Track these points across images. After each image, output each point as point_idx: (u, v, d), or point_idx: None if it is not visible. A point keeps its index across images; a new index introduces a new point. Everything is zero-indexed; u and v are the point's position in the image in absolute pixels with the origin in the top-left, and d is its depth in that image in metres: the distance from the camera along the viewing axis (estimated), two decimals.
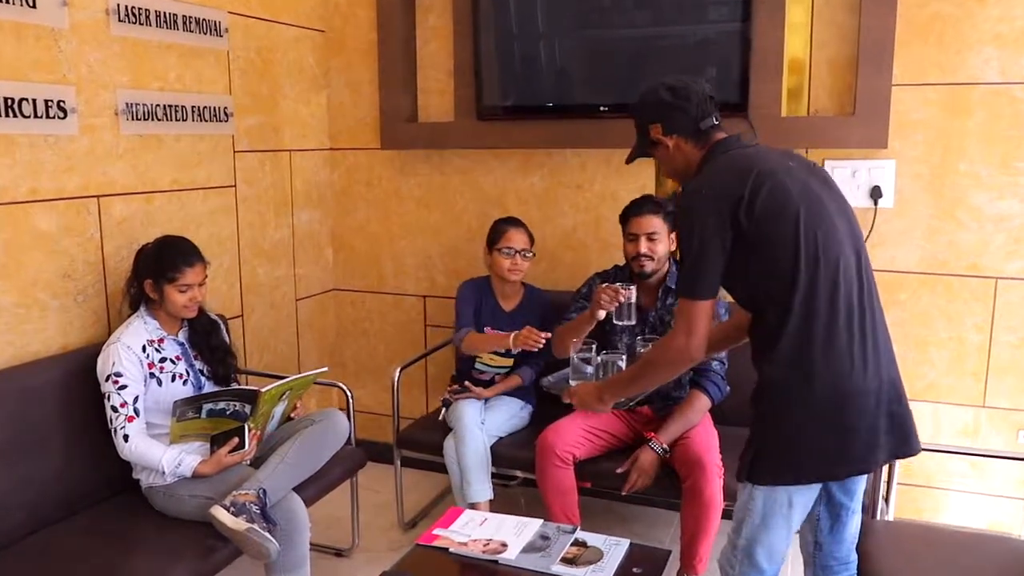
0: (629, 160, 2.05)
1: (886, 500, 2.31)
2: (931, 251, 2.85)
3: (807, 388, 1.69)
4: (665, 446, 2.57)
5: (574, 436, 2.62)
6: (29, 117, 2.35)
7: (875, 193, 2.85)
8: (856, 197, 2.87)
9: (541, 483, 2.63)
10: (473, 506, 2.70)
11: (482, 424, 2.80)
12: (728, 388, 2.66)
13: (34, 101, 2.36)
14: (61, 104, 2.44)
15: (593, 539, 2.11)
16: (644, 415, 2.75)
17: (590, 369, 2.27)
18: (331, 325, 3.74)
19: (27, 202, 2.38)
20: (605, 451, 2.70)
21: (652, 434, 2.61)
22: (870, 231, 2.86)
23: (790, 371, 1.70)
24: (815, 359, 1.68)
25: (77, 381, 2.41)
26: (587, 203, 3.24)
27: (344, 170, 3.63)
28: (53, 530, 2.30)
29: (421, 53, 3.44)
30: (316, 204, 3.59)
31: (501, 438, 2.87)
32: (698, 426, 2.60)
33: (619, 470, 2.59)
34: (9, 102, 2.30)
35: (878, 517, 2.28)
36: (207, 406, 2.31)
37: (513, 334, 2.75)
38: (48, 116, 2.41)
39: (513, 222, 3.02)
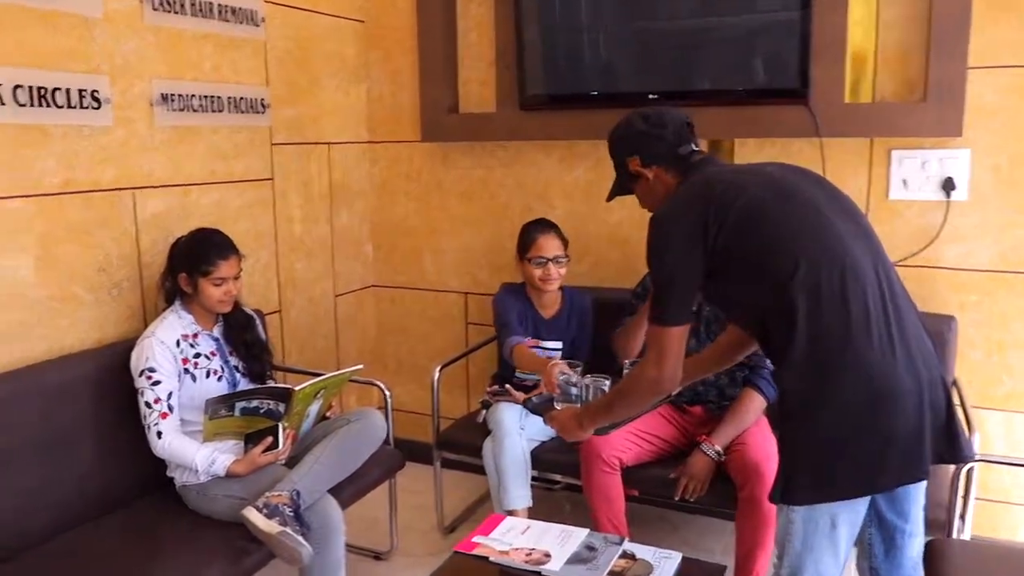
0: (609, 198, 2.01)
1: (962, 517, 2.14)
2: (1009, 247, 2.64)
3: (831, 392, 1.55)
4: (718, 449, 2.43)
5: (621, 440, 2.49)
6: (63, 107, 2.30)
7: (947, 185, 2.66)
8: (926, 190, 2.69)
9: (587, 490, 2.51)
10: (510, 513, 2.58)
11: (522, 429, 2.68)
12: None
13: (67, 91, 2.31)
14: (95, 94, 2.39)
15: (642, 551, 1.98)
16: (696, 416, 2.61)
17: (575, 391, 2.16)
18: (370, 322, 3.66)
19: (61, 194, 2.33)
20: (654, 456, 2.56)
21: (704, 437, 2.47)
22: (941, 226, 2.68)
23: (810, 377, 1.56)
24: (834, 361, 1.54)
25: (111, 376, 2.36)
26: (635, 197, 3.09)
27: (384, 163, 3.55)
28: (85, 528, 2.25)
29: (462, 42, 3.34)
30: (355, 198, 3.51)
31: (543, 442, 2.75)
32: (754, 429, 2.45)
33: (671, 475, 2.45)
34: (42, 92, 2.25)
35: (954, 535, 2.11)
36: (240, 404, 2.24)
37: (551, 365, 2.47)
38: (82, 106, 2.35)
39: (542, 227, 2.88)
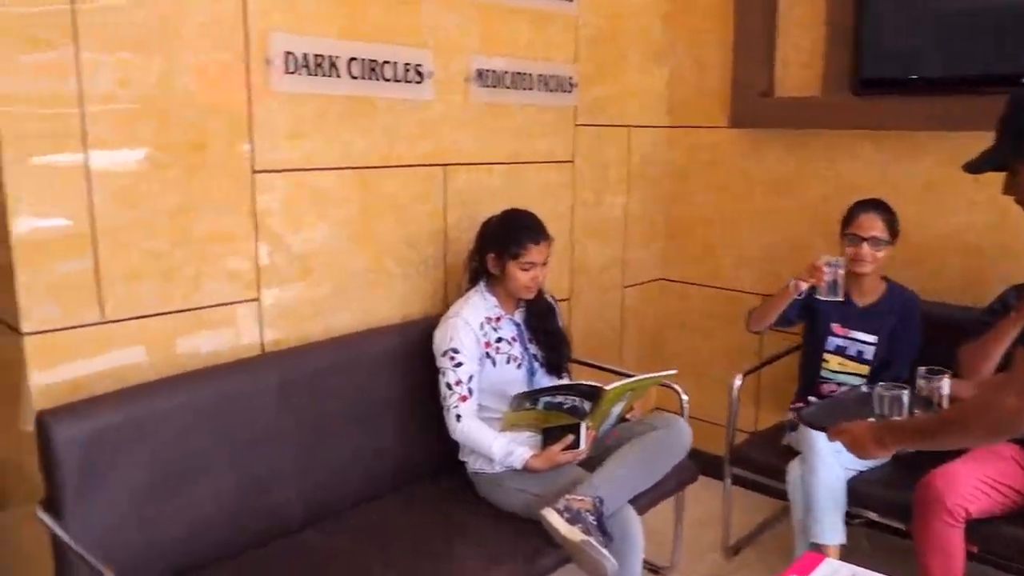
0: (974, 169, 1.61)
1: None
2: None
3: None
4: None
5: (969, 487, 2.10)
6: (390, 80, 2.31)
7: None
8: None
9: (920, 539, 2.14)
10: (817, 547, 2.28)
11: (838, 453, 2.35)
12: None
13: (395, 65, 2.31)
14: (419, 68, 2.37)
15: None
16: None
17: (885, 404, 1.80)
18: (654, 316, 3.46)
19: (382, 167, 2.34)
20: (1006, 510, 2.14)
21: None
22: None
23: None
24: None
25: (414, 353, 2.36)
26: (988, 199, 2.62)
27: (684, 149, 3.32)
28: (382, 503, 2.26)
29: (784, 19, 3.01)
30: (651, 185, 3.32)
31: (861, 472, 2.41)
32: None
33: None
34: (373, 64, 2.26)
35: None
36: (545, 398, 2.13)
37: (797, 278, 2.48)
38: (407, 80, 2.35)
39: (867, 205, 2.55)
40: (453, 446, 2.32)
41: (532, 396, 2.16)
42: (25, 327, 1.75)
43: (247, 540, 2.01)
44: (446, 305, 2.51)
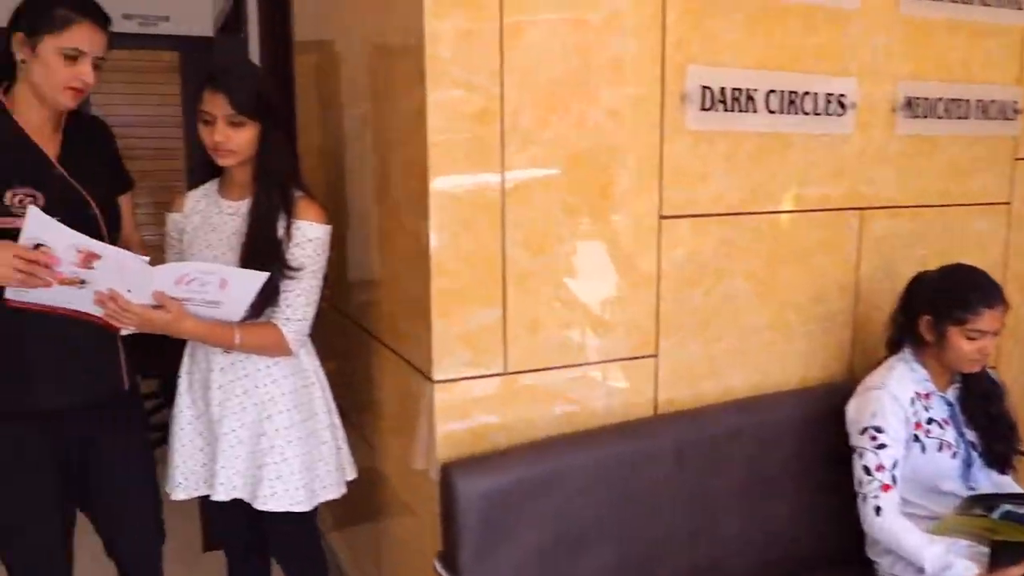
0: None
1: None
2: None
3: None
4: None
5: None
6: (808, 114, 2.03)
7: None
8: None
9: None
10: None
11: None
12: None
13: (816, 96, 2.03)
14: (841, 99, 2.07)
15: None
16: None
17: None
18: None
19: (791, 212, 2.07)
20: None
21: None
22: None
23: None
24: None
25: (815, 422, 2.06)
26: None
27: None
28: None
29: None
30: None
31: None
32: None
33: None
34: (791, 97, 2.00)
35: None
36: (1006, 506, 1.71)
37: None
38: (827, 113, 2.06)
39: None
40: (857, 538, 1.98)
41: (987, 501, 1.75)
42: (437, 375, 1.73)
43: None
44: (852, 369, 2.18)
